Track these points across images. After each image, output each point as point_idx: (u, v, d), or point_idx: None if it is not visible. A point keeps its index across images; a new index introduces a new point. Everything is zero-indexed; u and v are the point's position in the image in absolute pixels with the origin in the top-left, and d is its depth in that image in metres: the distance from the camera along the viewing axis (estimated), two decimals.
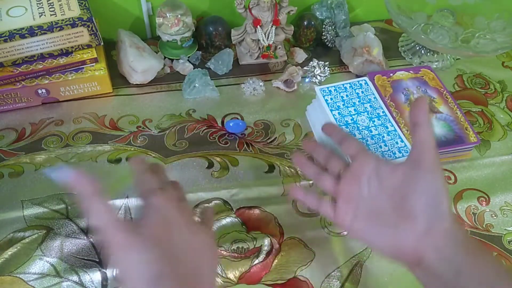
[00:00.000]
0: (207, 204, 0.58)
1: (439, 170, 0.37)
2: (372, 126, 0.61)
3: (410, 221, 0.37)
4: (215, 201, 0.59)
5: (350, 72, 0.77)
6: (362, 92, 0.64)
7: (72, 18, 0.62)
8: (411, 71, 0.71)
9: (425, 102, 0.39)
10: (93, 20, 0.63)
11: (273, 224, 0.57)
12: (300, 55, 0.79)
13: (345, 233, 0.56)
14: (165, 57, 0.76)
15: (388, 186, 0.40)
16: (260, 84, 0.72)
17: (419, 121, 0.38)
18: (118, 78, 0.72)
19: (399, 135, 0.60)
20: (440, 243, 0.35)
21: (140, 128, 0.66)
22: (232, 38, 0.75)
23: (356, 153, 0.44)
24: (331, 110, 0.62)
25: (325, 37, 0.80)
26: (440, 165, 0.37)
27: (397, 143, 0.59)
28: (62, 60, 0.65)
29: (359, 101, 0.63)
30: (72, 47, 0.64)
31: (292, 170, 0.62)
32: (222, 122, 0.68)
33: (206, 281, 0.36)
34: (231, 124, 0.66)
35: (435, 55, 0.79)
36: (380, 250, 0.41)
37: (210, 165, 0.63)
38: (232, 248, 0.54)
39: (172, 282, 0.32)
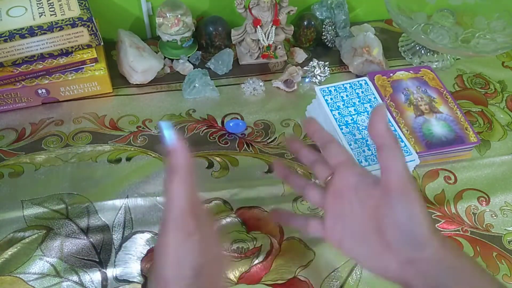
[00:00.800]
0: (206, 204, 0.58)
1: (411, 195, 0.34)
2: None
3: (390, 251, 0.35)
4: (215, 201, 0.59)
5: (350, 72, 0.77)
6: (362, 92, 0.64)
7: (72, 18, 0.62)
8: (411, 71, 0.71)
9: (383, 113, 0.35)
10: (93, 20, 0.63)
11: (273, 224, 0.57)
12: (300, 55, 0.79)
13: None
14: (165, 57, 0.76)
15: (367, 207, 0.37)
16: (260, 84, 0.72)
17: (381, 144, 0.35)
18: (118, 78, 0.72)
19: (399, 135, 0.60)
20: (425, 271, 0.34)
21: (140, 128, 0.66)
22: (232, 38, 0.75)
23: (338, 164, 0.41)
24: (331, 110, 0.62)
25: (325, 37, 0.80)
26: (413, 188, 0.33)
27: None
28: (62, 60, 0.65)
29: (359, 101, 0.63)
30: (72, 47, 0.64)
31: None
32: (222, 122, 0.68)
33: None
34: (231, 124, 0.66)
35: (435, 55, 0.79)
36: (370, 271, 0.39)
37: (210, 165, 0.63)
38: (232, 248, 0.54)
39: (206, 278, 0.35)
